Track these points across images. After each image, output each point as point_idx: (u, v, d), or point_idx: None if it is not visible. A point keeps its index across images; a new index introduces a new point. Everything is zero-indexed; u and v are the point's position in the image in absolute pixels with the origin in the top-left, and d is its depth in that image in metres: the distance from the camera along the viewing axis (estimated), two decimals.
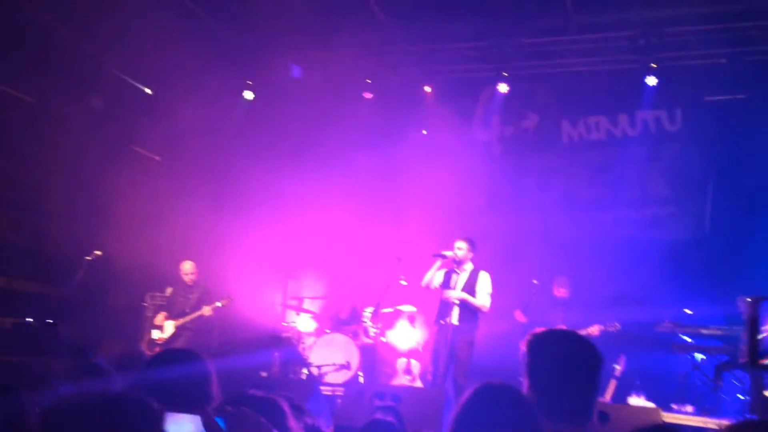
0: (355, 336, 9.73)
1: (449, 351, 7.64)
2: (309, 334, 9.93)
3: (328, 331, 9.79)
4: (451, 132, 11.27)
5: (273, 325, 10.22)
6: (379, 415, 3.03)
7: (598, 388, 2.25)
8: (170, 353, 2.92)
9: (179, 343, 9.21)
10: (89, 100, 10.12)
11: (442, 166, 10.66)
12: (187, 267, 9.63)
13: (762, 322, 1.28)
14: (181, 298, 9.58)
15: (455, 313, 7.79)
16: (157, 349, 8.89)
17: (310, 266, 10.63)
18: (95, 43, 9.58)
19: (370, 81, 11.23)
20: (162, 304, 9.81)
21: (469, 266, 8.03)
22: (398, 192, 11.09)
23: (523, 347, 2.32)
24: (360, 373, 9.35)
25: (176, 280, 9.73)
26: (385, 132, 11.25)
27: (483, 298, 7.86)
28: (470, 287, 7.98)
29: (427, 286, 8.06)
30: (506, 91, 10.80)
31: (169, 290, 10.07)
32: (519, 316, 8.84)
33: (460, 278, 7.94)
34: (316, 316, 10.35)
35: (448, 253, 7.84)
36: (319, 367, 9.20)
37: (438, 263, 7.89)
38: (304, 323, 10.16)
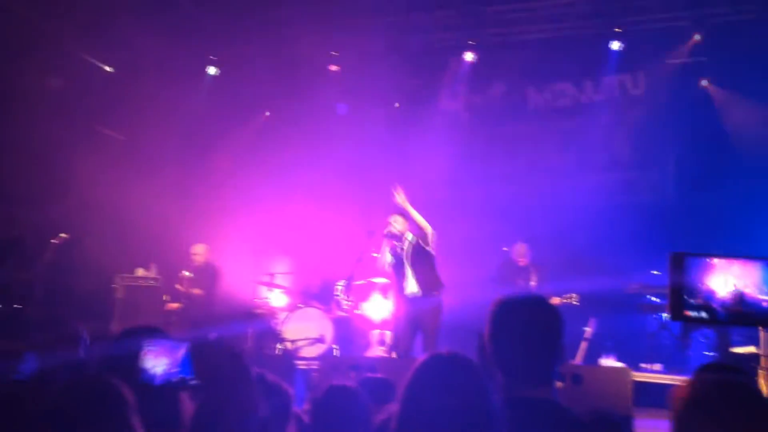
0: (328, 309, 9.75)
1: (413, 323, 7.63)
2: (282, 309, 9.93)
3: (301, 305, 9.80)
4: (418, 102, 11.25)
5: (246, 301, 10.19)
6: (337, 382, 3.01)
7: (559, 351, 2.27)
8: (132, 329, 2.92)
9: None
10: (50, 80, 9.92)
11: (410, 137, 10.65)
12: (195, 248, 9.74)
13: (688, 277, 1.32)
14: (187, 280, 9.69)
15: (411, 281, 7.74)
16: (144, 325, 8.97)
17: (281, 241, 10.60)
18: (54, 22, 9.36)
19: (336, 53, 11.13)
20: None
21: (409, 236, 7.95)
22: (368, 164, 11.06)
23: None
24: (335, 346, 9.39)
25: (188, 262, 9.81)
26: (352, 104, 11.20)
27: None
28: (418, 249, 7.81)
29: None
30: (473, 60, 10.78)
31: (140, 271, 10.01)
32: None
33: (406, 250, 7.84)
34: (288, 291, 10.35)
35: (393, 229, 7.77)
36: (293, 341, 9.21)
37: (385, 244, 7.89)
38: (276, 298, 10.16)
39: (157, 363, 1.59)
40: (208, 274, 9.70)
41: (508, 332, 2.26)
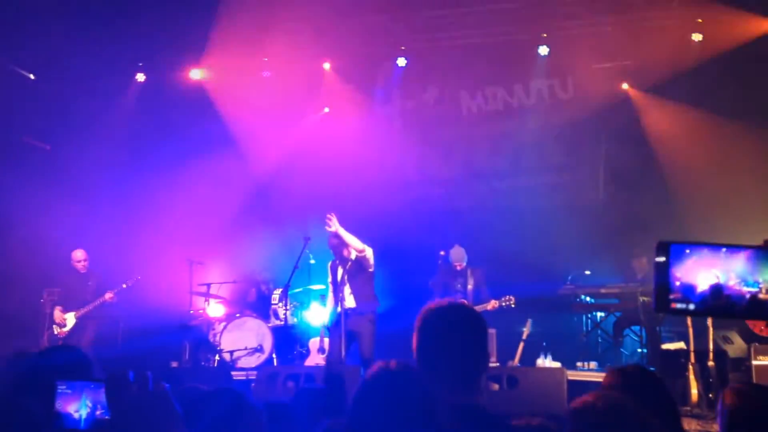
0: (266, 318, 9.66)
1: (348, 335, 7.62)
2: (219, 320, 9.77)
3: (238, 315, 9.67)
4: (351, 108, 11.25)
5: (181, 313, 9.99)
6: (273, 398, 3.01)
7: (484, 357, 2.30)
8: (54, 349, 2.81)
9: (85, 336, 9.02)
10: None
11: (344, 143, 10.65)
12: (79, 254, 9.33)
13: (670, 266, 1.35)
14: (78, 287, 9.25)
15: (347, 293, 7.73)
16: (60, 344, 8.61)
17: (215, 250, 10.43)
18: None
19: (267, 59, 11.04)
20: (56, 299, 9.47)
21: (352, 254, 7.79)
22: (301, 170, 11.01)
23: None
24: (274, 356, 9.30)
25: (68, 270, 9.37)
26: (285, 110, 11.12)
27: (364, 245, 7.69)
28: (358, 267, 7.79)
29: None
30: (405, 65, 10.85)
31: None
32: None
33: (346, 267, 7.80)
34: (224, 301, 10.18)
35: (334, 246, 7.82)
36: (231, 352, 9.08)
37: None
38: (212, 309, 9.98)
39: (78, 406, 1.51)
40: (99, 280, 9.28)
41: (432, 340, 2.28)
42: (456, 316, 2.33)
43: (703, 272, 1.17)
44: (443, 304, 2.40)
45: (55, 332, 9.07)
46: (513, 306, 8.37)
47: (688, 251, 1.17)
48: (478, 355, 2.27)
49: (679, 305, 1.14)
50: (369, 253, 7.70)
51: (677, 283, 1.15)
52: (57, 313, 9.16)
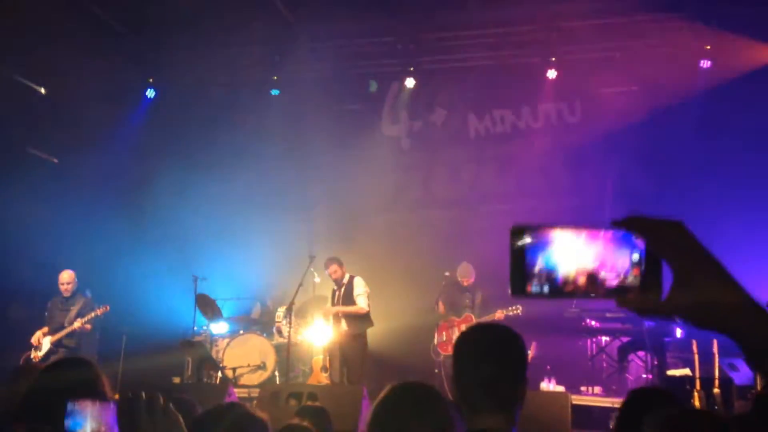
0: (269, 336, 9.62)
1: (341, 354, 8.31)
2: (222, 336, 9.74)
3: (241, 332, 9.64)
4: (359, 128, 11.28)
5: (184, 328, 9.96)
6: (295, 420, 2.99)
7: (520, 379, 2.22)
8: (60, 362, 2.76)
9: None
10: None
11: (351, 162, 10.67)
12: (64, 276, 8.65)
13: (527, 250, 1.31)
14: (59, 311, 8.63)
15: (342, 319, 8.50)
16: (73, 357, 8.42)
17: (219, 267, 10.42)
18: None
19: (276, 78, 11.10)
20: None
21: (345, 278, 8.58)
22: (308, 189, 11.03)
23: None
24: (276, 373, 9.25)
25: (55, 292, 8.78)
26: (293, 129, 11.15)
27: (359, 301, 8.46)
28: (348, 295, 8.53)
29: None
30: (413, 86, 10.89)
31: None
32: (441, 306, 9.08)
33: (340, 291, 8.62)
34: (228, 317, 10.16)
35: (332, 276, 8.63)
36: (233, 369, 9.04)
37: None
38: (216, 325, 9.96)
39: (84, 426, 1.49)
40: (82, 306, 8.57)
41: (468, 359, 2.22)
42: (494, 335, 2.25)
43: (562, 255, 1.16)
44: (483, 323, 2.37)
45: (32, 355, 8.41)
46: (520, 315, 8.36)
47: (545, 234, 1.16)
48: (512, 376, 2.17)
49: (534, 288, 1.13)
50: (365, 310, 8.48)
51: (536, 268, 1.14)
52: (37, 334, 8.52)
